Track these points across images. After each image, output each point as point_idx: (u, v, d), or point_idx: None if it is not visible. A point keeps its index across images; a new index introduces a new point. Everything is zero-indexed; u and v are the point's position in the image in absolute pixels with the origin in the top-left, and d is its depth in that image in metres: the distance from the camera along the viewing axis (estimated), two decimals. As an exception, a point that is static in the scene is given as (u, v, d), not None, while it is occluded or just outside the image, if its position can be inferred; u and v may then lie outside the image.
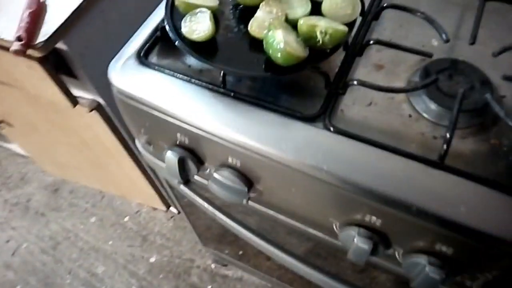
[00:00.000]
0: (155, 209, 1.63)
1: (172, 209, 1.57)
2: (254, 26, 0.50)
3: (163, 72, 0.55)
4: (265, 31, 0.50)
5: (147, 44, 0.57)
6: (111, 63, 0.57)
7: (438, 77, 0.47)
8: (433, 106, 0.50)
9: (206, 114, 0.51)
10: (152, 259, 1.50)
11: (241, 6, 0.55)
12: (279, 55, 0.46)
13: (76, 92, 0.90)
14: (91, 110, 0.92)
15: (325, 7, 0.51)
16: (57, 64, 0.81)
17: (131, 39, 0.59)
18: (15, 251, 1.57)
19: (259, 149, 0.49)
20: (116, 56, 0.57)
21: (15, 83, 0.92)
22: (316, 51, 0.49)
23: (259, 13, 0.51)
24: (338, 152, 0.47)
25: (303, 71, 0.48)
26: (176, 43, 0.50)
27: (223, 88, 0.52)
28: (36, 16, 0.71)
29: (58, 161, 1.48)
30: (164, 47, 0.58)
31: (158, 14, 0.61)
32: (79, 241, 1.57)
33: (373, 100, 0.53)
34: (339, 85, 0.51)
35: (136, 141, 0.68)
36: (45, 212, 1.66)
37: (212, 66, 0.49)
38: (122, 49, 0.58)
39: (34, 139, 1.34)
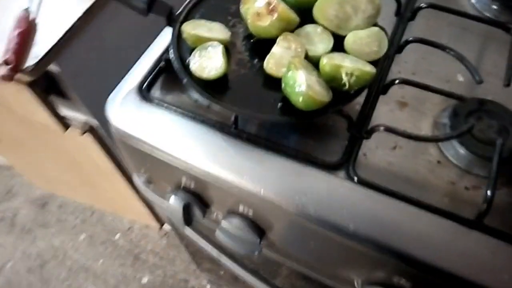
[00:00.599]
0: (147, 226, 1.56)
1: (165, 226, 1.51)
2: (271, 64, 0.45)
3: (167, 109, 0.49)
4: (284, 70, 0.45)
5: (150, 77, 0.52)
6: (109, 98, 0.52)
7: (473, 124, 0.43)
8: (465, 153, 0.46)
9: (215, 158, 0.46)
10: (145, 280, 1.44)
11: (254, 38, 0.50)
12: (300, 99, 0.41)
13: (67, 113, 0.84)
14: (83, 133, 0.86)
15: (348, 43, 0.46)
16: (47, 86, 0.75)
17: (131, 70, 0.54)
18: (0, 270, 1.49)
19: (275, 200, 0.44)
20: (115, 90, 0.52)
21: (2, 101, 0.85)
22: (338, 92, 0.44)
23: (276, 49, 0.46)
24: (365, 208, 0.42)
25: (324, 115, 0.43)
26: (184, 81, 0.45)
27: (235, 129, 0.47)
28: (26, 36, 0.65)
29: (46, 176, 1.41)
30: (168, 79, 0.53)
31: (160, 43, 0.56)
32: (68, 260, 1.50)
33: (397, 143, 0.48)
34: (362, 128, 0.46)
35: (134, 176, 0.63)
36: (32, 228, 1.59)
37: (224, 108, 0.44)
38: (121, 82, 0.53)
39: (22, 155, 1.27)
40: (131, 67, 0.55)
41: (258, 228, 0.49)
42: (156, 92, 0.52)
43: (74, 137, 0.87)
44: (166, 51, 0.55)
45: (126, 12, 0.51)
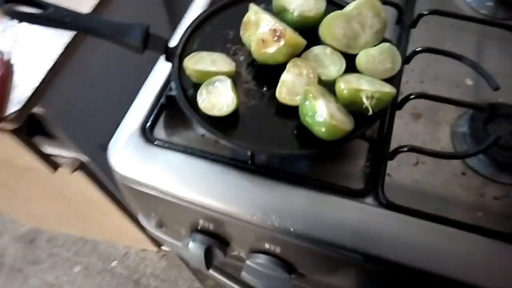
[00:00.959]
0: (144, 249, 1.51)
1: (163, 247, 1.46)
2: (284, 93, 0.43)
3: (175, 149, 0.46)
4: (298, 98, 0.42)
5: (152, 117, 0.48)
6: (110, 144, 0.48)
7: (498, 136, 0.42)
8: (489, 162, 0.45)
9: (235, 198, 0.43)
10: (149, 305, 1.40)
11: (258, 64, 0.47)
12: (323, 129, 0.39)
13: (55, 151, 0.79)
14: (74, 171, 0.81)
15: (361, 62, 0.44)
16: (31, 128, 0.70)
17: (129, 111, 0.50)
18: (-7, 316, 1.41)
19: (307, 235, 0.41)
20: (115, 135, 0.48)
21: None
22: (357, 115, 0.42)
23: (287, 76, 0.43)
24: (402, 235, 0.40)
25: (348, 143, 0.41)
26: (195, 122, 0.42)
27: (252, 165, 0.44)
28: (3, 80, 0.60)
29: (33, 213, 1.34)
30: (170, 116, 0.50)
31: (157, 78, 0.52)
32: (65, 296, 1.43)
33: (419, 158, 0.47)
34: (385, 149, 0.45)
35: (140, 217, 0.59)
36: (22, 267, 1.51)
37: (241, 147, 0.41)
38: (121, 126, 0.49)
39: (5, 195, 1.20)
40: (121, 99, 0.51)
41: (287, 264, 0.46)
42: (160, 132, 0.49)
43: (64, 176, 0.81)
44: (165, 86, 0.51)
45: (107, 42, 0.47)
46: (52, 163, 0.76)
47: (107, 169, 0.85)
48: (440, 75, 0.54)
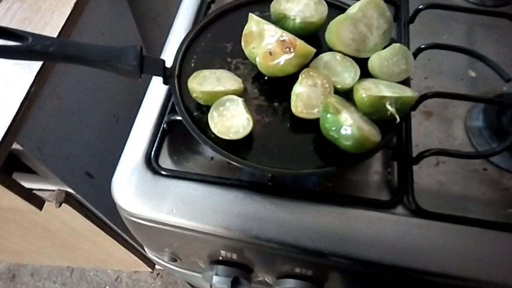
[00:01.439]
0: (137, 271, 1.45)
1: (157, 266, 1.40)
2: (300, 107, 0.40)
3: (186, 179, 0.42)
4: (316, 111, 0.40)
5: (155, 145, 0.44)
6: (113, 180, 0.43)
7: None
8: (509, 157, 0.44)
9: (260, 224, 0.40)
10: (150, 329, 1.34)
11: (264, 77, 0.44)
12: (351, 143, 0.37)
13: (37, 185, 0.73)
14: (60, 204, 0.74)
15: (374, 66, 0.42)
16: (10, 165, 0.63)
17: (128, 142, 0.45)
18: None
19: (343, 254, 0.39)
20: (117, 170, 0.44)
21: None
22: (379, 123, 0.40)
23: (300, 89, 0.40)
24: (442, 244, 0.39)
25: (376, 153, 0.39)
26: (215, 152, 0.38)
27: (273, 186, 0.41)
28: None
29: (11, 249, 1.24)
30: (173, 141, 0.46)
31: (152, 102, 0.48)
32: (57, 332, 1.35)
33: (439, 158, 0.45)
34: (408, 154, 0.43)
35: (148, 251, 0.55)
36: (6, 307, 1.41)
37: (262, 170, 0.38)
38: (122, 158, 0.44)
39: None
40: (101, 123, 0.46)
41: (318, 284, 0.44)
42: (165, 160, 0.44)
43: (50, 211, 0.75)
44: (163, 110, 0.47)
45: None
46: (36, 200, 0.69)
47: (94, 197, 0.80)
48: (443, 69, 0.53)
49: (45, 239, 1.06)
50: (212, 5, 0.57)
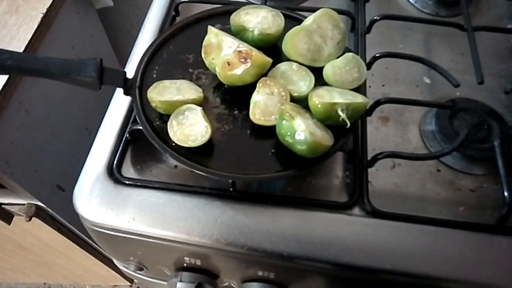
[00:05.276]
0: (116, 285, 1.43)
1: (135, 280, 1.38)
2: (258, 114, 0.42)
3: (149, 187, 0.43)
4: (273, 118, 0.41)
5: (117, 155, 0.45)
6: (75, 191, 0.43)
7: (467, 131, 0.44)
8: (460, 156, 0.47)
9: (220, 229, 0.41)
10: None
11: (225, 86, 0.46)
12: (305, 148, 0.38)
13: (6, 200, 0.72)
14: (30, 218, 0.73)
15: (328, 75, 0.44)
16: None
17: (91, 152, 0.46)
18: None
19: (301, 256, 0.40)
20: (79, 180, 0.44)
21: None
22: (332, 128, 0.42)
23: (258, 97, 0.42)
24: (394, 243, 0.40)
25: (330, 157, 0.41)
26: (175, 160, 0.39)
27: (234, 192, 0.42)
28: None
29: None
30: (136, 151, 0.47)
31: (114, 113, 0.48)
32: None
33: (395, 161, 0.47)
34: (363, 157, 0.45)
35: (117, 262, 0.55)
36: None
37: (222, 176, 0.39)
38: (84, 168, 0.45)
39: None
40: (71, 135, 0.47)
41: (281, 286, 0.45)
42: (128, 170, 0.45)
43: (20, 225, 0.74)
44: (126, 120, 0.48)
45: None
46: (4, 214, 0.68)
47: (66, 211, 0.79)
48: (399, 76, 0.56)
49: (18, 255, 1.03)
50: (177, 18, 0.58)
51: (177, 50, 0.49)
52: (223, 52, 0.43)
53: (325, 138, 0.39)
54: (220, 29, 0.48)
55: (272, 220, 0.41)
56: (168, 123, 0.40)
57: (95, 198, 0.43)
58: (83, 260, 1.05)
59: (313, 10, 0.46)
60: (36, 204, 0.75)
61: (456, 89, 0.52)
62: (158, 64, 0.48)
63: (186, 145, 0.39)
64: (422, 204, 0.44)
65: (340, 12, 0.55)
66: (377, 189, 0.45)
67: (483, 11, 0.64)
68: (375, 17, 0.55)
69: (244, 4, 0.50)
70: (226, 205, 0.42)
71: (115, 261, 0.54)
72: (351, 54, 0.45)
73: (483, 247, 0.40)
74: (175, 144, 0.40)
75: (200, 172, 0.39)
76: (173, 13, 0.58)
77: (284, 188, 0.44)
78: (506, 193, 0.40)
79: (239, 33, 0.47)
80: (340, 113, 0.40)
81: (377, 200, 0.43)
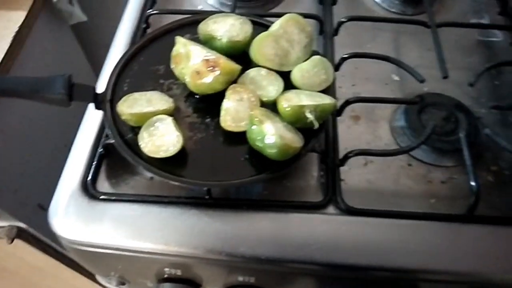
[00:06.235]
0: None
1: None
2: (229, 121, 0.42)
3: (124, 201, 0.43)
4: (244, 124, 0.42)
5: (91, 170, 0.45)
6: (50, 209, 0.43)
7: (434, 125, 0.45)
8: (430, 149, 0.48)
9: (197, 237, 0.41)
10: None
11: (196, 95, 0.46)
12: (274, 151, 0.39)
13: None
14: (12, 241, 0.72)
15: (296, 78, 0.45)
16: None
17: (65, 169, 0.46)
18: None
19: (279, 258, 0.41)
20: (54, 198, 0.44)
21: None
22: (303, 130, 0.43)
23: (228, 104, 0.43)
24: (368, 238, 0.41)
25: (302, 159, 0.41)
26: (147, 171, 0.39)
27: (210, 199, 0.43)
28: None
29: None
30: (112, 164, 0.47)
31: (87, 127, 0.48)
32: None
33: (367, 158, 0.48)
34: (335, 157, 0.46)
35: (98, 277, 0.54)
36: None
37: (195, 185, 0.40)
38: (59, 186, 0.45)
39: None
40: (51, 152, 0.47)
41: (264, 292, 0.45)
42: (103, 184, 0.45)
43: (2, 248, 0.73)
44: (100, 134, 0.48)
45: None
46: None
47: (50, 230, 0.78)
48: (369, 75, 0.57)
49: (4, 279, 1.01)
50: (148, 29, 0.59)
51: (148, 62, 0.50)
52: (191, 62, 0.44)
53: (294, 140, 0.40)
54: (190, 39, 0.49)
55: (248, 225, 0.41)
56: (139, 135, 0.41)
57: (70, 215, 0.43)
58: (71, 279, 1.04)
59: (282, 15, 0.47)
60: (18, 226, 0.74)
61: (424, 84, 0.53)
62: (129, 76, 0.48)
63: (157, 156, 0.40)
64: (396, 198, 0.45)
65: (307, 16, 0.57)
66: (351, 187, 0.46)
67: (448, 7, 0.66)
68: (342, 19, 0.56)
69: (213, 13, 0.51)
70: (202, 212, 0.42)
71: (97, 277, 0.54)
72: (318, 56, 0.46)
73: (455, 236, 0.41)
74: (147, 156, 0.41)
75: (174, 182, 0.39)
76: (144, 25, 0.59)
77: (260, 192, 0.45)
78: (472, 183, 0.41)
79: (208, 42, 0.48)
80: (308, 115, 0.40)
81: (351, 198, 0.44)
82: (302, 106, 0.41)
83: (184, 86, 0.47)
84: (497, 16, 0.63)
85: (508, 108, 0.50)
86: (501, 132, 0.50)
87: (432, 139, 0.46)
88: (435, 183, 0.46)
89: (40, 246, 0.80)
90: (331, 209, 0.43)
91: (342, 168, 0.46)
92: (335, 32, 0.57)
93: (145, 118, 0.41)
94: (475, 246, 0.40)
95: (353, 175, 0.47)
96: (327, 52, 0.55)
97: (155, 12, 0.59)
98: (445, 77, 0.49)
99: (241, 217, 0.42)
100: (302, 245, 0.40)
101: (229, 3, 0.60)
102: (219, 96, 0.44)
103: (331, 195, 0.43)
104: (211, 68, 0.43)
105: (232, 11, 0.57)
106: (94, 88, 0.44)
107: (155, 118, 0.41)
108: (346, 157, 0.44)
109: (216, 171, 0.41)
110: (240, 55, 0.48)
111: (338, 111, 0.49)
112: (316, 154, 0.47)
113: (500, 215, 0.43)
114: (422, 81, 0.48)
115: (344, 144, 0.49)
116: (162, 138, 0.40)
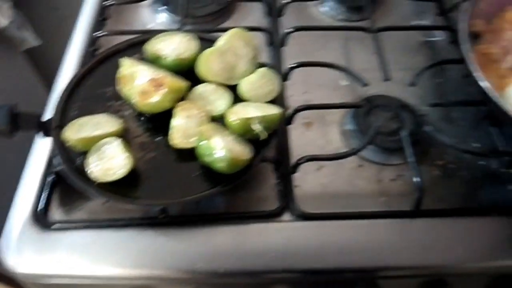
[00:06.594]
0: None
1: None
2: (177, 138, 0.42)
3: (78, 228, 0.43)
4: (193, 140, 0.42)
5: (42, 199, 0.44)
6: (1, 243, 0.42)
7: (378, 126, 0.47)
8: (377, 150, 0.50)
9: (155, 258, 0.41)
10: None
11: (146, 115, 0.47)
12: (224, 165, 0.39)
13: None
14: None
15: (243, 91, 0.46)
16: None
17: (15, 200, 0.45)
18: None
19: (237, 270, 0.41)
20: (4, 232, 0.43)
21: None
22: (254, 141, 0.43)
23: (177, 121, 0.43)
24: (324, 241, 0.42)
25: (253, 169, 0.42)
26: (98, 196, 0.39)
27: (165, 218, 0.43)
28: None
29: None
30: (65, 191, 0.46)
31: (39, 156, 0.48)
32: None
33: (320, 163, 0.50)
34: (288, 164, 0.47)
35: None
36: None
37: (147, 205, 0.40)
38: (9, 218, 0.44)
39: None
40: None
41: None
42: (56, 213, 0.44)
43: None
44: (50, 162, 0.47)
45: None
46: None
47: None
48: (319, 82, 0.58)
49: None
50: (97, 51, 0.58)
51: (97, 85, 0.49)
52: (137, 82, 0.44)
53: (243, 152, 0.41)
54: (139, 58, 0.49)
55: (205, 240, 0.42)
56: (85, 161, 0.40)
57: (23, 248, 0.42)
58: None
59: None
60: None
61: (372, 87, 0.55)
62: (78, 100, 0.48)
63: (105, 180, 0.39)
64: (350, 200, 0.46)
65: (255, 29, 0.58)
66: (306, 192, 0.47)
67: (391, 11, 0.69)
68: (287, 30, 0.58)
69: (162, 31, 0.51)
70: (158, 232, 0.42)
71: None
72: (264, 68, 0.47)
73: (406, 232, 0.43)
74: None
75: (126, 205, 0.39)
76: (92, 47, 0.58)
77: (217, 206, 0.45)
78: (415, 179, 0.43)
79: (155, 61, 0.48)
80: (255, 126, 0.41)
81: (307, 203, 0.45)
82: (249, 118, 0.41)
83: (133, 106, 0.47)
84: (437, 17, 0.66)
85: (447, 105, 0.52)
86: (445, 127, 0.53)
87: (378, 140, 0.48)
88: (385, 181, 0.48)
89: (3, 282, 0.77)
90: (286, 216, 0.44)
91: (296, 175, 0.47)
92: (283, 43, 0.58)
93: (94, 142, 0.41)
94: (424, 239, 0.42)
95: (307, 180, 0.48)
96: (276, 63, 0.57)
97: (103, 34, 0.59)
98: (387, 79, 0.51)
99: (198, 233, 0.42)
100: (259, 255, 0.41)
101: (179, 20, 0.61)
102: (169, 114, 0.45)
103: (286, 202, 0.44)
104: (158, 87, 0.43)
105: (181, 28, 0.58)
106: (39, 117, 0.43)
107: (102, 141, 0.41)
108: (297, 164, 0.45)
109: (170, 189, 0.41)
110: (189, 72, 0.48)
111: (288, 119, 0.50)
112: (272, 163, 0.48)
113: (447, 207, 0.45)
114: (365, 85, 0.50)
115: (298, 151, 0.50)
116: (111, 161, 0.40)
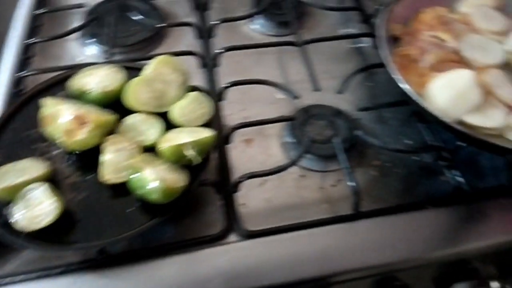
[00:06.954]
0: None
1: None
2: (108, 174, 0.41)
3: (8, 283, 0.40)
4: (125, 174, 0.41)
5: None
6: None
7: (310, 136, 0.48)
8: (315, 158, 0.51)
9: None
10: None
11: (75, 153, 0.45)
12: (159, 195, 0.38)
13: None
14: None
15: (175, 117, 0.45)
16: None
17: None
18: None
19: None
20: None
21: None
22: (190, 166, 0.43)
23: (107, 156, 0.42)
24: (270, 257, 0.42)
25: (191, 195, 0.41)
26: (25, 249, 0.37)
27: (104, 259, 0.41)
28: None
29: None
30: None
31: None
32: None
33: (262, 178, 0.50)
34: (229, 184, 0.46)
35: None
36: None
37: (88, 250, 0.38)
38: None
39: None
40: None
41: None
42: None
43: None
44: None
45: None
46: None
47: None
48: (256, 98, 0.59)
49: None
50: (21, 93, 0.56)
51: (21, 128, 0.47)
52: (60, 121, 0.42)
53: (178, 180, 0.40)
54: (65, 96, 0.47)
55: (150, 275, 0.40)
56: (8, 212, 0.38)
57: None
58: None
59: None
60: None
61: (305, 99, 0.57)
62: (1, 147, 0.45)
63: (33, 229, 0.37)
64: (295, 211, 0.47)
65: (185, 53, 0.58)
66: (252, 210, 0.47)
67: (319, 22, 0.72)
68: (217, 51, 0.59)
69: (90, 65, 0.50)
70: (99, 274, 0.40)
71: None
72: (194, 92, 0.47)
73: (349, 235, 0.43)
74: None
75: (59, 252, 0.37)
76: (18, 88, 0.56)
77: (160, 237, 0.44)
78: (350, 183, 0.44)
79: (80, 97, 0.47)
80: (188, 152, 0.41)
81: (253, 220, 0.45)
82: (180, 145, 0.41)
83: (60, 146, 0.45)
84: (361, 24, 0.69)
85: (377, 107, 0.55)
86: (379, 128, 0.55)
87: (314, 148, 0.49)
88: (327, 188, 0.49)
89: None
90: (232, 237, 0.43)
91: (240, 193, 0.47)
92: (215, 64, 0.59)
93: (18, 190, 0.39)
94: (368, 240, 0.43)
95: (252, 197, 0.48)
96: (211, 84, 0.57)
97: (28, 73, 0.57)
98: (317, 90, 0.52)
99: (141, 269, 0.41)
100: (207, 281, 0.40)
101: (107, 51, 0.60)
102: (98, 149, 0.43)
103: (230, 223, 0.44)
104: (82, 123, 0.42)
105: (111, 59, 0.57)
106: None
107: (27, 187, 0.39)
108: (238, 182, 0.45)
109: (106, 228, 0.40)
110: (118, 104, 0.47)
111: (226, 139, 0.50)
112: (212, 186, 0.47)
113: (386, 205, 0.46)
114: (295, 97, 0.51)
115: (241, 169, 0.50)
116: (37, 208, 0.38)
